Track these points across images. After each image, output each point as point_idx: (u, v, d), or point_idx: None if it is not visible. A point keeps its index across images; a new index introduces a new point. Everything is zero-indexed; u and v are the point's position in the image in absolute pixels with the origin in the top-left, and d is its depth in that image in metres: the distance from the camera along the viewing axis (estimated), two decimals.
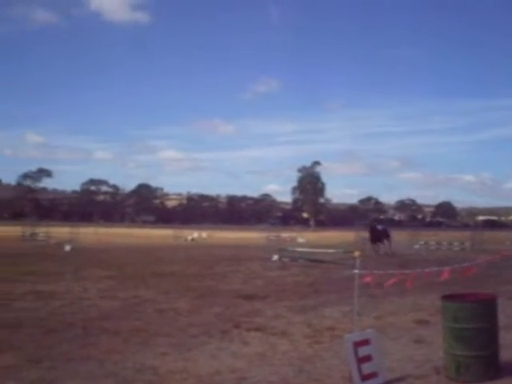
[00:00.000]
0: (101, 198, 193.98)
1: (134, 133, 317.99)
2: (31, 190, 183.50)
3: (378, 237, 37.03)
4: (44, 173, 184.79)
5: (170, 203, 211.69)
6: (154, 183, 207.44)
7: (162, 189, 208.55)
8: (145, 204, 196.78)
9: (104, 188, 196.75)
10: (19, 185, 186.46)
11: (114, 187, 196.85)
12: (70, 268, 22.14)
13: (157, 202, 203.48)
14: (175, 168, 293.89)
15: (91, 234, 56.91)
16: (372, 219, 56.68)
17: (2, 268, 21.30)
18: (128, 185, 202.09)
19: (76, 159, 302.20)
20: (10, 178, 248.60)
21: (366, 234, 39.55)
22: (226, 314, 12.47)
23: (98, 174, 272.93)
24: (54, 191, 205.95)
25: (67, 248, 36.01)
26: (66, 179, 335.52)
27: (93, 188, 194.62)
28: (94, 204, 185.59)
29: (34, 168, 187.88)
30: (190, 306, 13.43)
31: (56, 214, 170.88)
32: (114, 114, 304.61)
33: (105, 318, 11.63)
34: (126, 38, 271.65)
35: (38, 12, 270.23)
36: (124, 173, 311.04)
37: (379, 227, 39.71)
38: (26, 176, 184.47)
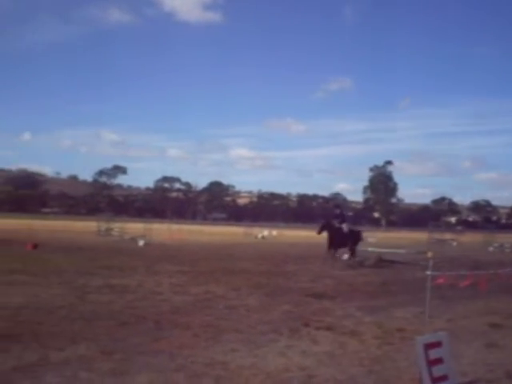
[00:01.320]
0: (173, 195, 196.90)
1: (207, 131, 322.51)
2: (107, 187, 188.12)
3: (342, 241, 26.16)
4: (119, 170, 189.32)
5: (241, 201, 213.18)
6: (225, 181, 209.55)
7: (233, 187, 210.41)
8: (216, 201, 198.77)
9: (177, 185, 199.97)
10: (95, 181, 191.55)
11: (187, 185, 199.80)
12: (143, 263, 22.61)
13: (228, 199, 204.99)
14: (247, 166, 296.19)
15: (164, 230, 57.88)
16: (336, 213, 28.53)
17: (79, 262, 21.95)
18: (200, 182, 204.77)
19: (150, 157, 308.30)
20: (87, 175, 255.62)
21: (437, 235, 35.65)
22: (295, 311, 12.50)
23: (171, 172, 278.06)
24: (129, 188, 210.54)
25: (141, 243, 36.77)
26: (140, 176, 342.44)
27: (166, 185, 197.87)
28: (166, 201, 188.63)
29: (109, 165, 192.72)
30: (259, 303, 13.52)
31: (130, 210, 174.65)
32: (188, 113, 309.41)
33: (176, 312, 11.83)
34: (199, 38, 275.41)
35: (112, 13, 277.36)
36: (196, 170, 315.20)
37: (343, 227, 26.58)
38: (101, 173, 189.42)
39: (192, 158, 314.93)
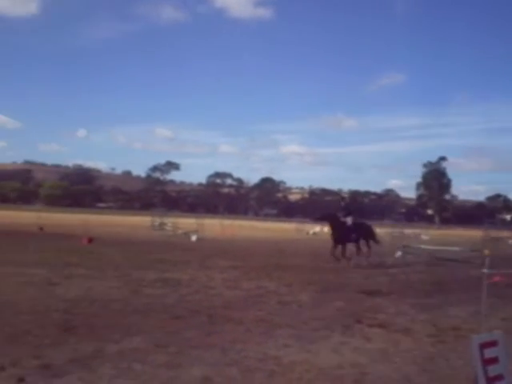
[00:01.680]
0: (225, 190, 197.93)
1: (259, 127, 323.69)
2: (160, 182, 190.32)
3: (346, 235, 23.70)
4: (172, 166, 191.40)
5: (293, 197, 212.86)
6: (277, 177, 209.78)
7: (284, 183, 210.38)
8: (268, 197, 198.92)
9: (229, 181, 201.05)
10: (149, 177, 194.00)
11: (239, 180, 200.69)
12: (195, 257, 22.80)
13: (279, 195, 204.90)
14: (298, 162, 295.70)
15: (216, 225, 58.22)
16: (341, 205, 26.91)
17: (134, 256, 22.29)
18: (252, 178, 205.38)
19: (202, 153, 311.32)
20: (140, 171, 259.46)
21: (493, 233, 33.81)
22: (347, 308, 12.42)
23: (223, 168, 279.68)
24: (181, 183, 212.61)
25: (193, 238, 37.09)
26: (193, 172, 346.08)
27: (218, 181, 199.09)
28: (218, 196, 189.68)
29: (162, 161, 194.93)
30: (311, 299, 13.48)
31: (183, 206, 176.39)
32: (240, 110, 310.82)
33: (229, 307, 11.88)
34: (250, 35, 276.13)
35: (165, 10, 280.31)
36: (248, 166, 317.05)
37: (348, 220, 24.07)
38: (155, 168, 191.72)
39: (244, 153, 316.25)
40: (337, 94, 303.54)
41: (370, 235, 24.93)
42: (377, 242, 25.12)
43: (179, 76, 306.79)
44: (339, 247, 23.46)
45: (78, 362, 7.28)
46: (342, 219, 24.03)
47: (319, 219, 25.82)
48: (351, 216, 24.38)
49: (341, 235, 23.59)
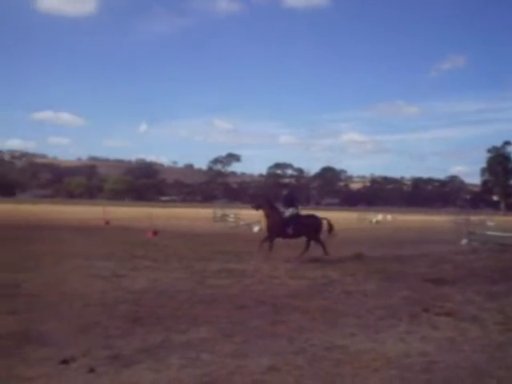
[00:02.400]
0: (286, 181, 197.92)
1: (318, 117, 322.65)
2: (221, 174, 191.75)
3: (280, 228, 20.04)
4: (233, 157, 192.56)
5: (354, 186, 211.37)
6: (337, 166, 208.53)
7: (345, 171, 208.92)
8: (329, 187, 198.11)
9: (289, 171, 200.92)
10: (210, 169, 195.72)
11: (299, 170, 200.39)
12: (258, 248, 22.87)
13: (341, 184, 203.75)
14: (358, 151, 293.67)
15: None
16: (285, 194, 23.25)
17: (197, 247, 22.54)
18: (312, 168, 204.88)
19: (262, 144, 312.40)
20: (202, 163, 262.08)
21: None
22: (413, 297, 12.25)
23: (283, 158, 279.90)
24: (242, 175, 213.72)
25: (255, 229, 37.19)
26: (253, 163, 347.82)
27: (278, 171, 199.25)
28: (279, 187, 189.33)
29: (223, 153, 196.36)
30: (376, 288, 13.35)
31: (244, 197, 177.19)
32: (299, 100, 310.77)
33: (294, 296, 11.88)
34: (306, 23, 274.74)
35: (220, 2, 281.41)
36: (308, 156, 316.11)
37: (287, 212, 20.38)
38: (216, 161, 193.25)
39: (304, 143, 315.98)
40: (396, 81, 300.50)
41: (312, 233, 20.46)
42: (320, 242, 20.50)
43: (237, 68, 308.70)
44: (269, 239, 20.15)
45: (146, 351, 7.42)
46: (282, 210, 20.53)
47: (256, 208, 21.16)
48: (294, 207, 20.54)
49: (274, 227, 20.18)
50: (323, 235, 20.79)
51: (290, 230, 19.99)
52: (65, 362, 6.86)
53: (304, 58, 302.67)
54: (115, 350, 7.45)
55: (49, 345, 7.62)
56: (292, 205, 20.68)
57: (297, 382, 6.37)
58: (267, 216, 20.62)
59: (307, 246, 20.34)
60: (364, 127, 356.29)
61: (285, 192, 23.11)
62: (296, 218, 20.32)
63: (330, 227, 21.23)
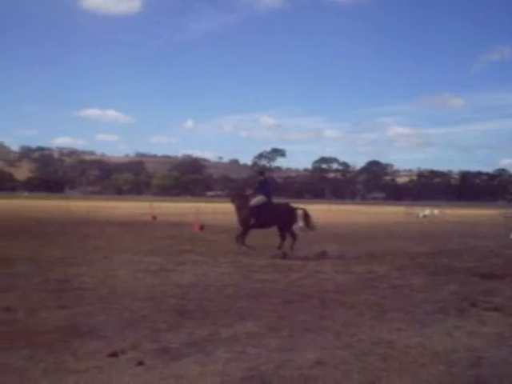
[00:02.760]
0: (331, 175, 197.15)
1: (363, 111, 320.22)
2: (266, 169, 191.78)
3: (245, 217, 19.13)
4: (278, 152, 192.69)
5: (401, 180, 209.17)
6: (383, 160, 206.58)
7: (392, 165, 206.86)
8: (375, 181, 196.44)
9: (334, 166, 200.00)
10: (255, 164, 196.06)
11: (345, 165, 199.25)
12: (304, 243, 22.85)
13: (387, 178, 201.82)
14: (404, 144, 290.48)
15: (323, 210, 58.11)
16: (259, 181, 19.97)
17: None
18: (358, 162, 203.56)
19: (307, 139, 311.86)
20: (247, 159, 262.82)
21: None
22: (461, 292, 12.09)
23: (328, 153, 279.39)
24: (287, 170, 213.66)
25: (299, 224, 37.14)
26: (298, 158, 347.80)
27: (324, 166, 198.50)
28: (325, 181, 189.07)
29: (268, 148, 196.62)
30: (423, 283, 13.21)
31: (289, 192, 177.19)
32: (343, 94, 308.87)
33: (340, 291, 11.85)
34: (349, 17, 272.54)
35: None
36: (353, 150, 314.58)
37: (254, 200, 19.09)
38: (261, 156, 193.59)
39: (348, 138, 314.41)
40: (442, 73, 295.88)
41: (283, 223, 19.13)
42: (292, 234, 19.26)
43: (281, 64, 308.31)
44: (242, 232, 19.17)
45: (194, 345, 7.50)
46: (251, 198, 19.25)
47: (231, 201, 20.40)
48: (265, 195, 18.97)
49: (241, 217, 19.24)
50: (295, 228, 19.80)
51: (252, 221, 18.85)
52: (114, 354, 6.97)
53: (348, 52, 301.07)
54: (163, 343, 7.55)
55: (98, 338, 7.76)
56: (263, 192, 19.14)
57: (344, 376, 6.36)
58: (238, 208, 19.56)
59: (282, 238, 19.00)
60: (410, 120, 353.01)
61: (260, 178, 19.99)
62: (264, 206, 18.86)
63: (307, 218, 19.76)
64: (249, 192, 20.07)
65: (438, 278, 14.00)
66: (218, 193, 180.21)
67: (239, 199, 19.83)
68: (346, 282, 13.16)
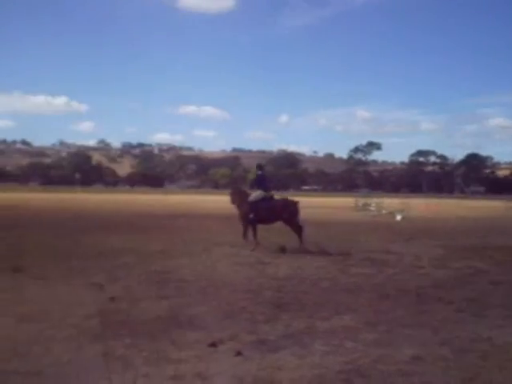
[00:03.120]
0: (429, 168, 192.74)
1: (460, 103, 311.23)
2: (362, 163, 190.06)
3: (245, 214, 18.66)
4: (374, 146, 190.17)
5: (502, 173, 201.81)
6: (483, 152, 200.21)
7: (492, 158, 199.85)
8: (474, 174, 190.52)
9: (432, 159, 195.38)
10: (350, 158, 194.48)
11: (442, 158, 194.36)
12: (401, 237, 22.59)
13: (487, 171, 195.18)
14: (505, 136, 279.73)
15: (421, 204, 57.06)
16: (258, 174, 19.59)
17: (338, 236, 22.57)
18: (456, 155, 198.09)
19: (402, 132, 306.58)
20: (342, 152, 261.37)
21: None
22: None
23: (424, 146, 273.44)
24: (383, 163, 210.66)
25: (398, 217, 36.69)
26: (394, 151, 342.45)
27: (421, 159, 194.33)
28: (422, 175, 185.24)
29: (363, 142, 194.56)
30: None
31: (385, 185, 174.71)
32: (439, 86, 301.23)
33: (438, 286, 11.65)
34: (446, 7, 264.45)
35: None
36: (450, 143, 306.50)
37: (253, 195, 18.76)
38: (356, 149, 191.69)
39: (445, 130, 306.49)
40: None
41: (286, 217, 18.66)
42: (297, 228, 18.63)
43: (375, 56, 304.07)
44: (244, 230, 18.62)
45: (290, 337, 7.60)
46: (249, 193, 18.88)
47: (231, 201, 19.68)
48: (263, 189, 18.61)
49: (241, 213, 18.70)
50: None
51: (251, 217, 18.33)
52: (213, 345, 7.18)
53: (444, 42, 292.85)
54: (261, 335, 7.70)
55: (197, 329, 7.99)
56: (261, 186, 18.77)
57: (442, 372, 6.29)
58: (238, 206, 19.09)
59: (298, 233, 18.41)
60: (510, 112, 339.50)
61: (259, 172, 19.40)
62: (262, 201, 18.45)
63: (296, 213, 18.86)
64: (250, 188, 19.56)
65: None
66: (314, 187, 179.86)
67: (239, 195, 19.42)
68: (445, 278, 12.92)
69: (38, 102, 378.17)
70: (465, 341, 7.57)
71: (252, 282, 11.90)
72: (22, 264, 13.15)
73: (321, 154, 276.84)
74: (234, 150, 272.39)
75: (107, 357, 6.67)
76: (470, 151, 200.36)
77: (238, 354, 6.83)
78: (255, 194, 18.58)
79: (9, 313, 8.57)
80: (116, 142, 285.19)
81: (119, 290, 10.66)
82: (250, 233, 18.58)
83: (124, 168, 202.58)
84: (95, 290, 10.63)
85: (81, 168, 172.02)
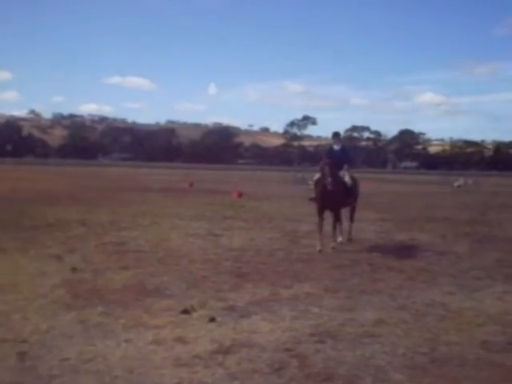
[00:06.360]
0: (363, 144, 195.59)
1: (390, 79, 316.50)
2: (297, 137, 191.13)
3: (341, 197, 13.52)
4: (309, 120, 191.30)
5: (433, 149, 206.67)
6: (414, 129, 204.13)
7: (424, 134, 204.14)
8: (407, 150, 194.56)
9: (366, 134, 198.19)
10: (286, 132, 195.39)
11: (376, 133, 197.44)
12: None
13: (419, 147, 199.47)
14: (434, 113, 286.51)
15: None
16: (336, 149, 14.46)
17: (283, 209, 23.04)
18: (390, 131, 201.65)
19: (334, 107, 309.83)
20: (277, 127, 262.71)
21: None
22: (507, 259, 12.33)
23: (356, 121, 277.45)
24: (318, 138, 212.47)
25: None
26: (327, 126, 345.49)
27: (355, 134, 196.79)
28: (356, 150, 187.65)
29: (295, 117, 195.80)
30: (468, 250, 13.47)
31: (320, 160, 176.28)
32: (370, 62, 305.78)
33: (387, 257, 12.20)
34: None
35: None
36: (381, 119, 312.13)
37: (346, 175, 14.09)
38: (292, 124, 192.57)
39: (376, 106, 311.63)
40: (469, 40, 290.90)
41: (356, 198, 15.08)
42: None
43: (305, 30, 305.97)
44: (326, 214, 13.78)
45: (258, 304, 7.94)
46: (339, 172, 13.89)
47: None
48: (348, 167, 14.55)
49: (333, 197, 13.20)
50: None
51: (351, 200, 14.58)
52: (185, 311, 7.43)
53: (375, 19, 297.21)
54: (229, 302, 8.00)
55: (166, 297, 8.24)
56: (346, 162, 14.60)
57: (405, 333, 6.74)
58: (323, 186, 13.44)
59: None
60: (439, 88, 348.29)
61: (336, 145, 14.90)
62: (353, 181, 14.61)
63: None
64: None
65: (482, 246, 14.28)
66: (249, 161, 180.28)
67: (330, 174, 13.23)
68: (391, 249, 13.49)
69: None
70: (421, 306, 8.07)
71: (208, 252, 12.19)
72: None
73: (256, 127, 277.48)
74: (168, 122, 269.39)
75: (85, 324, 6.85)
76: (400, 127, 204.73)
77: (212, 320, 7.10)
78: (348, 175, 14.31)
79: None
80: (46, 113, 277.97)
81: (79, 261, 10.78)
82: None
83: (55, 139, 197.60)
84: (55, 261, 10.73)
85: (11, 139, 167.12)
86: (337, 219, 13.71)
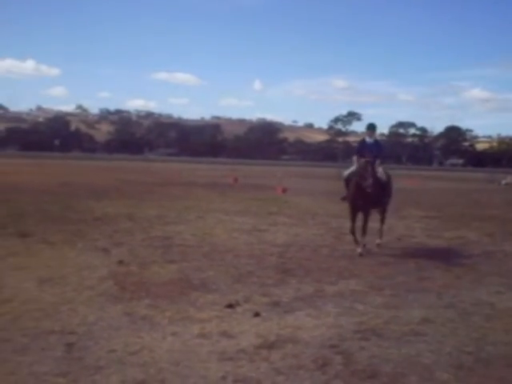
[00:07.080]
0: (409, 140, 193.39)
1: (437, 75, 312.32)
2: (342, 133, 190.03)
3: (376, 196, 12.30)
4: (354, 116, 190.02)
5: (480, 146, 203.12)
6: (462, 125, 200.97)
7: (471, 131, 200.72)
8: (453, 147, 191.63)
9: (412, 130, 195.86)
10: (330, 128, 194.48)
11: (422, 130, 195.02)
12: (391, 207, 22.95)
13: (466, 144, 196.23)
14: (482, 109, 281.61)
15: (402, 175, 57.54)
16: (370, 143, 13.24)
17: (327, 205, 22.92)
18: (436, 127, 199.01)
19: (380, 103, 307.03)
20: (321, 123, 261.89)
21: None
22: None
23: (402, 117, 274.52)
24: (363, 133, 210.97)
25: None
26: (376, 122, 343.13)
27: (401, 130, 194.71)
28: (401, 146, 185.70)
29: (341, 112, 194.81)
30: None
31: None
32: (417, 58, 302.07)
33: (434, 255, 12.05)
34: None
35: None
36: (428, 115, 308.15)
37: (381, 171, 12.78)
38: (337, 120, 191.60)
39: (423, 102, 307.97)
40: None
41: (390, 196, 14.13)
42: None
43: (351, 27, 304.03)
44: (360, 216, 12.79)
45: (302, 300, 7.95)
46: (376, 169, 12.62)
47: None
48: (380, 162, 13.10)
49: (368, 196, 12.19)
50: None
51: (386, 199, 13.82)
52: (230, 306, 7.49)
53: (422, 15, 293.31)
54: (273, 297, 8.03)
55: (211, 291, 8.31)
56: (380, 157, 13.27)
57: (451, 332, 6.67)
58: (358, 184, 12.58)
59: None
60: (487, 85, 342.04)
61: (369, 138, 13.79)
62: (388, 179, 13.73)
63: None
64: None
65: None
66: (293, 157, 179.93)
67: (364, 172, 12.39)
68: (438, 247, 13.35)
69: (6, 66, 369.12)
70: (467, 305, 7.98)
71: (253, 247, 12.23)
72: (26, 229, 13.35)
73: (300, 123, 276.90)
74: (214, 117, 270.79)
75: (131, 317, 6.96)
76: (447, 124, 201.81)
77: (256, 314, 7.15)
78: (382, 172, 13.18)
79: (30, 276, 8.80)
80: (93, 108, 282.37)
81: (125, 254, 10.93)
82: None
83: (102, 134, 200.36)
84: (102, 254, 10.90)
85: (59, 134, 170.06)
86: (366, 221, 12.58)
